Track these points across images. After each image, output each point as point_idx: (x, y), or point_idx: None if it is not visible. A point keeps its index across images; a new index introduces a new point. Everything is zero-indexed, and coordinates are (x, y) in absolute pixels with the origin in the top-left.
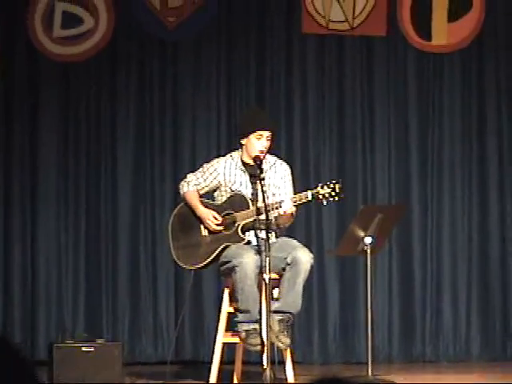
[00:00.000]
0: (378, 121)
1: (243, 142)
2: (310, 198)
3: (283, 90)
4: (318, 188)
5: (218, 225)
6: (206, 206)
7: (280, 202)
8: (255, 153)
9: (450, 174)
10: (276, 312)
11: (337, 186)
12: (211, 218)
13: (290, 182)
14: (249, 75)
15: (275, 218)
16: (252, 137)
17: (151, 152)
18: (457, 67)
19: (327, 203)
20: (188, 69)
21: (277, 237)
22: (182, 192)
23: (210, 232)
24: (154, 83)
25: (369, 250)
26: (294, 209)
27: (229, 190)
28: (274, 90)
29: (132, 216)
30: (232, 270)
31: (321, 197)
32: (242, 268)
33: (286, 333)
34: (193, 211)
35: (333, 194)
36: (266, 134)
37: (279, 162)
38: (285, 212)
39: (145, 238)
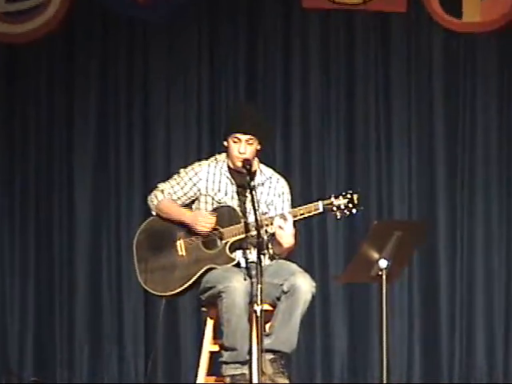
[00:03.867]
0: (396, 119)
1: (225, 144)
2: (320, 209)
3: (279, 79)
4: (332, 199)
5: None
6: None
7: (271, 218)
8: (233, 159)
9: (484, 185)
10: (267, 351)
11: (354, 197)
12: (201, 220)
13: (289, 201)
14: (237, 61)
15: (268, 241)
16: (230, 140)
17: (116, 155)
18: (493, 50)
19: (342, 217)
20: (162, 54)
21: (271, 259)
22: (153, 204)
23: (188, 251)
24: (120, 72)
25: (384, 277)
26: (291, 229)
27: (210, 201)
28: (269, 80)
29: (92, 233)
30: (217, 297)
31: (335, 209)
32: (230, 295)
33: (282, 374)
34: (170, 224)
35: (350, 205)
36: (245, 137)
37: (276, 176)
38: (280, 228)
39: (108, 259)
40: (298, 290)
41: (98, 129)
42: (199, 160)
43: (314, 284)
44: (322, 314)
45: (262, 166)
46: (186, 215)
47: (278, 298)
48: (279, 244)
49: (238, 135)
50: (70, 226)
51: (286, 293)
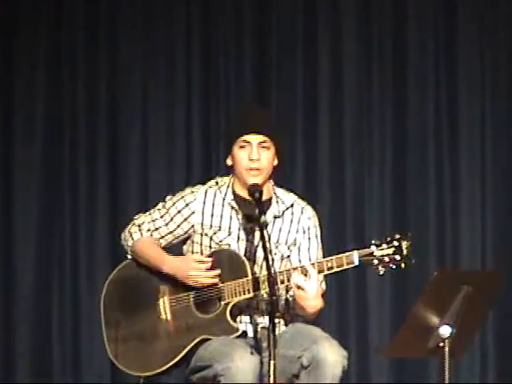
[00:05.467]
0: (465, 131)
1: (229, 162)
2: (356, 262)
3: (299, 66)
4: (372, 247)
5: (209, 274)
6: None
7: (288, 271)
8: (243, 175)
9: None
10: None
11: (403, 244)
12: (195, 267)
13: (318, 239)
14: (242, 40)
15: (288, 302)
16: (235, 148)
17: (71, 174)
18: None
19: (386, 272)
20: (136, 29)
21: (286, 323)
22: (129, 242)
23: (175, 314)
24: (78, 53)
25: (447, 348)
26: (323, 287)
27: (207, 243)
28: (282, 68)
29: (36, 285)
30: (214, 380)
31: (376, 262)
32: (233, 378)
33: None
34: (149, 273)
35: (397, 257)
36: (256, 139)
37: (300, 205)
38: (300, 289)
39: (60, 324)
40: (323, 363)
41: (46, 133)
42: (193, 185)
43: (345, 354)
44: None
45: (280, 191)
46: (171, 262)
47: (297, 376)
48: (301, 307)
49: (247, 137)
50: (7, 277)
51: (305, 367)
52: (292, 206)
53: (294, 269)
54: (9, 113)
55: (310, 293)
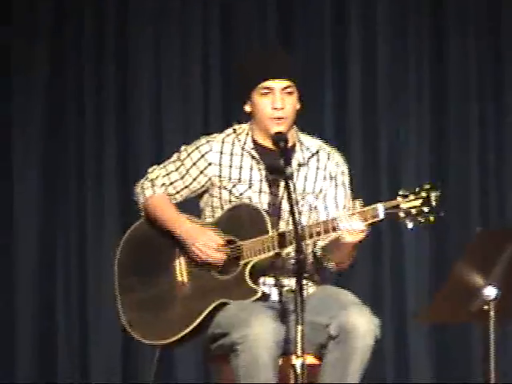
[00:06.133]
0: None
1: (247, 108)
2: (381, 215)
3: (329, 19)
4: (399, 198)
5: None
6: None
7: (333, 221)
8: (266, 123)
9: None
10: None
11: (432, 195)
12: (210, 243)
13: (346, 187)
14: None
15: (324, 249)
16: (256, 96)
17: (77, 139)
18: None
19: (415, 226)
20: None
21: (316, 284)
22: (142, 198)
23: (192, 276)
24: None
25: (492, 312)
26: (364, 228)
27: (227, 196)
28: (310, 21)
29: (39, 260)
30: (231, 350)
31: (403, 214)
32: (249, 347)
33: None
34: (164, 232)
35: (425, 209)
36: (279, 84)
37: (326, 150)
38: (349, 233)
39: (65, 292)
40: (353, 333)
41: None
42: (208, 134)
43: (377, 322)
44: (396, 368)
45: (304, 137)
46: (183, 225)
47: (324, 346)
48: (343, 255)
49: (269, 83)
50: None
51: (334, 338)
52: (317, 152)
53: (325, 222)
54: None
55: (361, 233)
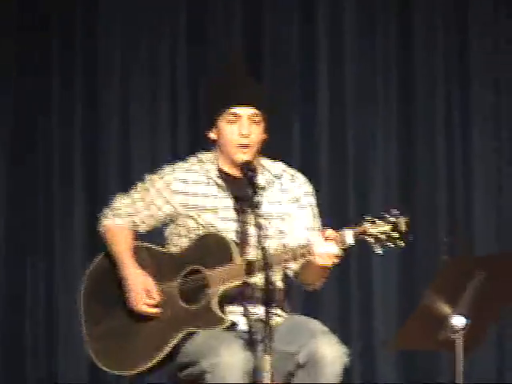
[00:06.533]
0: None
1: (212, 135)
2: (349, 241)
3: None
4: (366, 225)
5: (154, 305)
6: (153, 256)
7: (305, 247)
8: (231, 150)
9: None
10: None
11: (402, 222)
12: (141, 294)
13: (313, 207)
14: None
15: (295, 271)
16: (222, 122)
17: (44, 145)
18: None
19: (384, 251)
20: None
21: (285, 313)
22: (101, 227)
23: (158, 304)
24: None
25: (460, 342)
26: (338, 250)
27: (193, 225)
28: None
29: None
30: (200, 378)
31: (372, 240)
32: (220, 375)
33: None
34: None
35: (394, 235)
36: (247, 111)
37: (289, 172)
38: (321, 257)
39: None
40: (322, 361)
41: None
42: (174, 162)
43: (345, 350)
44: None
45: (266, 162)
46: (128, 269)
47: (293, 374)
48: (318, 275)
49: (236, 110)
50: None
51: (302, 366)
52: (281, 176)
53: (294, 249)
54: None
55: (334, 258)
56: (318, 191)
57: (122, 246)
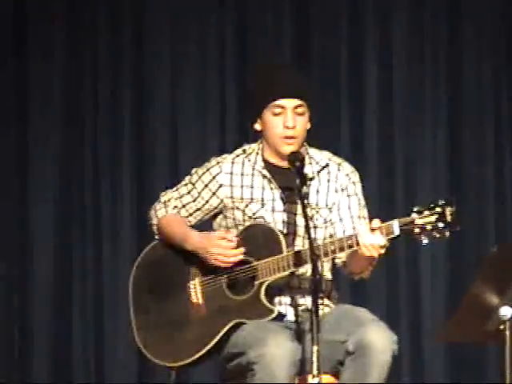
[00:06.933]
0: None
1: (257, 127)
2: (396, 232)
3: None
4: (414, 215)
5: (231, 252)
6: None
7: (351, 238)
8: (276, 143)
9: None
10: None
11: (447, 211)
12: (216, 243)
13: (359, 196)
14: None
15: (345, 262)
16: (267, 114)
17: (93, 155)
18: None
19: (430, 241)
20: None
21: (333, 303)
22: (155, 219)
23: (207, 297)
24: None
25: (508, 332)
26: (385, 241)
27: (240, 217)
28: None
29: (54, 283)
30: (247, 369)
31: (418, 230)
32: (266, 367)
33: None
34: (178, 254)
35: (440, 225)
36: (291, 103)
37: (336, 161)
38: (367, 248)
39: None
40: (370, 349)
41: (66, 113)
42: (220, 155)
43: (394, 338)
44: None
45: (313, 151)
46: (195, 238)
47: (342, 363)
48: (365, 265)
49: (281, 102)
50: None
51: (351, 353)
52: (327, 165)
53: (340, 239)
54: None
55: (381, 248)
56: (363, 183)
57: (181, 226)
